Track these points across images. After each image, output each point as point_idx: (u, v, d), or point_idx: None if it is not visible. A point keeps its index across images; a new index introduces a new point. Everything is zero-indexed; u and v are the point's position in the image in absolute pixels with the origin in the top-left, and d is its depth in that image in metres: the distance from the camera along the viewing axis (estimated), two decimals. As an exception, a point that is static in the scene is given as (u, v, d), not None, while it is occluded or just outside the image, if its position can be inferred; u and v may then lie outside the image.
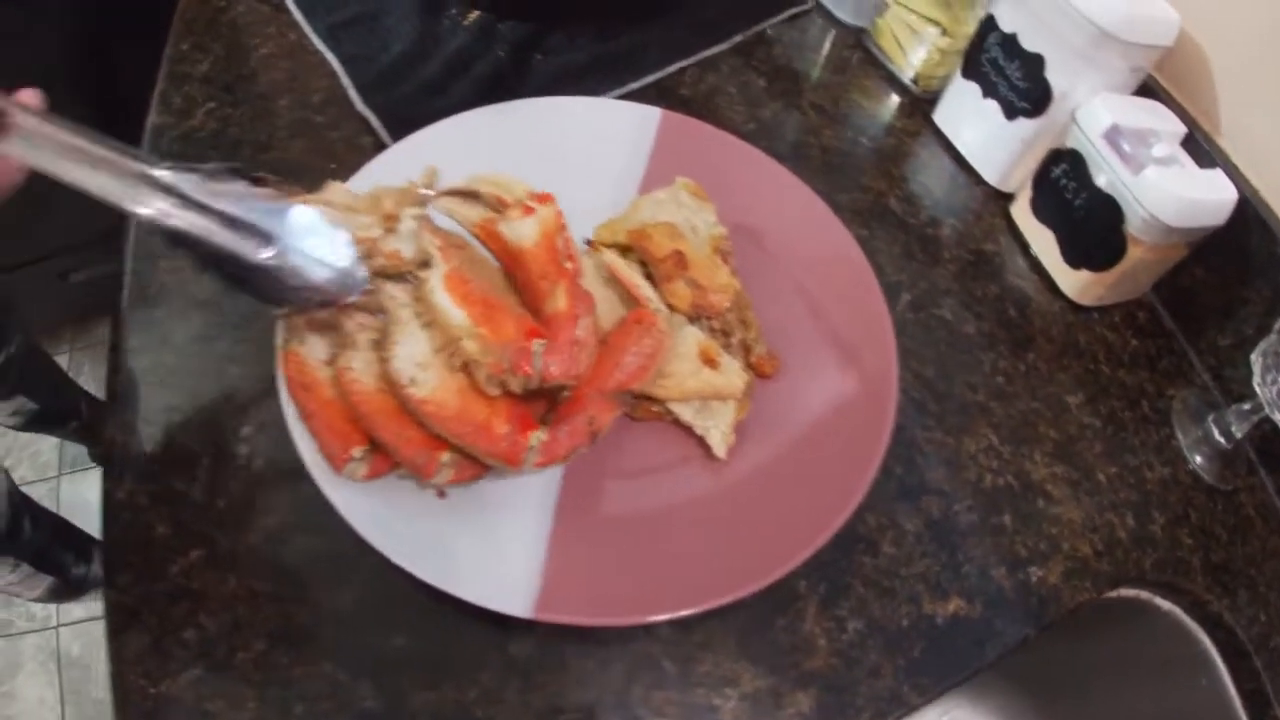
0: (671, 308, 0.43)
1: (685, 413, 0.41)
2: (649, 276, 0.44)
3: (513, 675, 0.37)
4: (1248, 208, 0.51)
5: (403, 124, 0.50)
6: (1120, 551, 0.47)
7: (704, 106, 0.59)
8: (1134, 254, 0.51)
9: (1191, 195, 0.49)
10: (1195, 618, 0.50)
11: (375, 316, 0.39)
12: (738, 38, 0.63)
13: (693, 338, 0.42)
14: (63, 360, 1.32)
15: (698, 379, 0.40)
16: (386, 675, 0.37)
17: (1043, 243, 0.57)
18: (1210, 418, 0.53)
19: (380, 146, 0.51)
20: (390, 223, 0.38)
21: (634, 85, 0.57)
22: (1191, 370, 0.56)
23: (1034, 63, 0.54)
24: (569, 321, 0.36)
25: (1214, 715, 0.50)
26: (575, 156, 0.49)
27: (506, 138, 0.49)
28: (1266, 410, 0.47)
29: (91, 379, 1.30)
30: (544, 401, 0.39)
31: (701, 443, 0.42)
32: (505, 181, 0.41)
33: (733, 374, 0.41)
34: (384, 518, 0.37)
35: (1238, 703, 0.49)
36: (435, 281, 0.37)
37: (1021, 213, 0.58)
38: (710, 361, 0.41)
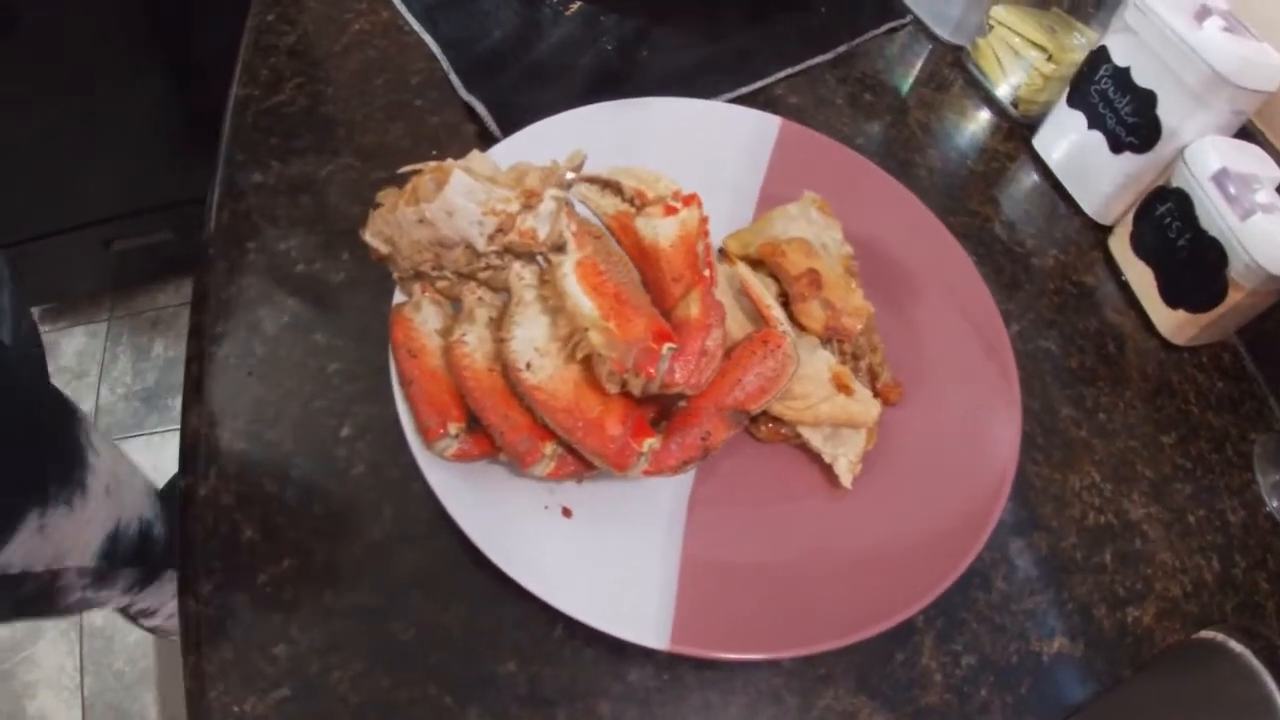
0: (803, 328, 0.41)
1: (815, 439, 0.39)
2: (781, 293, 0.42)
3: (631, 704, 0.35)
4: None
5: (509, 113, 0.47)
6: (1206, 594, 0.47)
7: (814, 117, 0.57)
8: (1233, 298, 0.51)
9: (1296, 245, 0.48)
10: (1264, 660, 0.49)
11: (497, 294, 0.37)
12: (841, 48, 0.61)
13: (824, 361, 0.40)
14: (100, 328, 1.29)
15: (831, 404, 0.38)
16: (496, 701, 0.35)
17: (1141, 279, 0.56)
18: (1287, 463, 0.52)
19: (485, 135, 0.48)
20: (531, 200, 0.36)
21: (744, 90, 0.55)
22: (1271, 415, 0.56)
23: (1146, 99, 0.53)
24: (700, 330, 0.35)
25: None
26: (693, 160, 0.47)
27: (624, 135, 0.46)
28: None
29: (130, 348, 1.28)
30: (656, 407, 0.37)
31: (826, 471, 0.40)
32: (650, 177, 0.39)
33: (867, 402, 0.39)
34: (506, 537, 0.34)
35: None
36: (568, 267, 0.35)
37: (1120, 247, 0.57)
38: (844, 388, 0.39)
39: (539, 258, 0.37)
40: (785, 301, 0.41)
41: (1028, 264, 0.55)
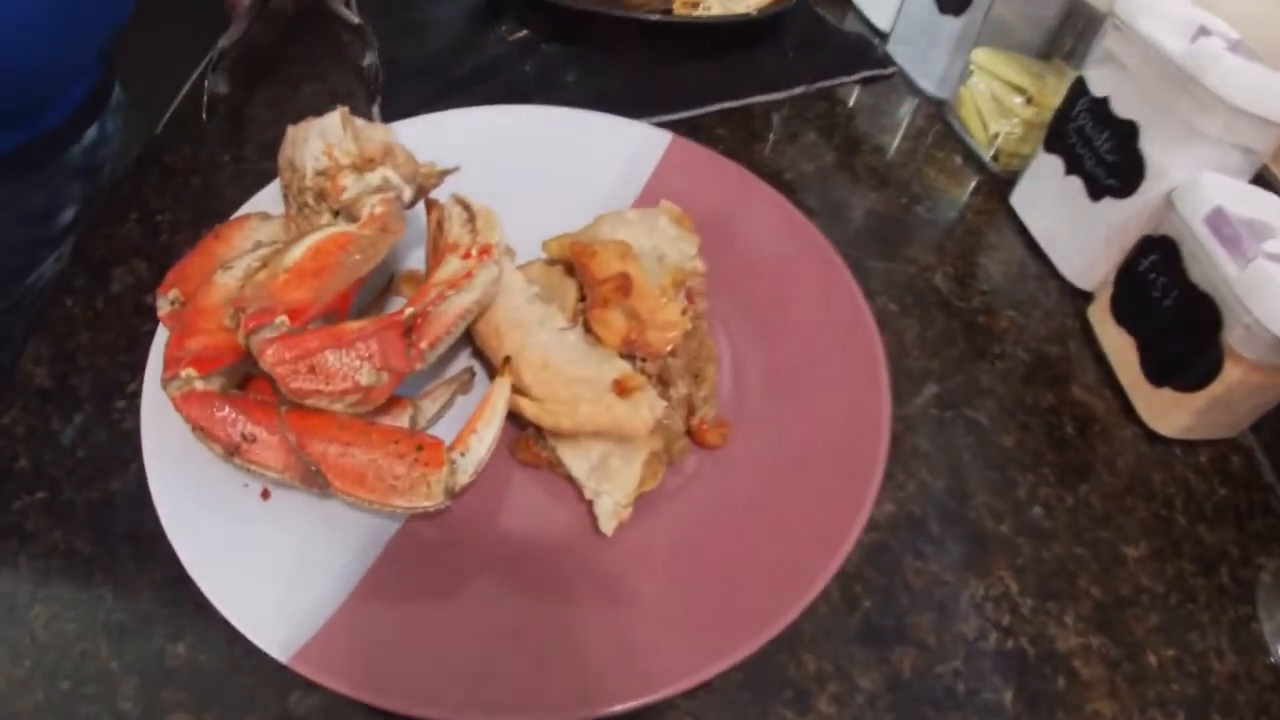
0: (598, 339, 0.36)
1: (578, 467, 0.33)
2: (582, 297, 0.38)
3: (283, 730, 0.30)
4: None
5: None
6: None
7: (738, 149, 0.53)
8: (1232, 373, 0.39)
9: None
10: None
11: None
12: (797, 90, 0.57)
13: (615, 370, 0.34)
14: None
15: (595, 406, 0.33)
16: (154, 680, 0.31)
17: (1120, 352, 0.45)
18: (1305, 598, 0.37)
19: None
20: (361, 165, 0.36)
21: (664, 118, 0.53)
22: (1288, 537, 0.41)
23: (1126, 131, 0.44)
24: (330, 339, 0.30)
25: None
26: (566, 166, 0.45)
27: (497, 139, 0.46)
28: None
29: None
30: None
31: (592, 512, 0.33)
32: (492, 223, 0.37)
33: (642, 406, 0.33)
34: (194, 505, 0.32)
35: None
36: (329, 230, 0.34)
37: (1099, 314, 0.47)
38: (624, 391, 0.33)
39: (336, 210, 0.36)
40: (585, 308, 0.37)
41: (971, 321, 0.47)
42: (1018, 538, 0.39)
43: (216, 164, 0.50)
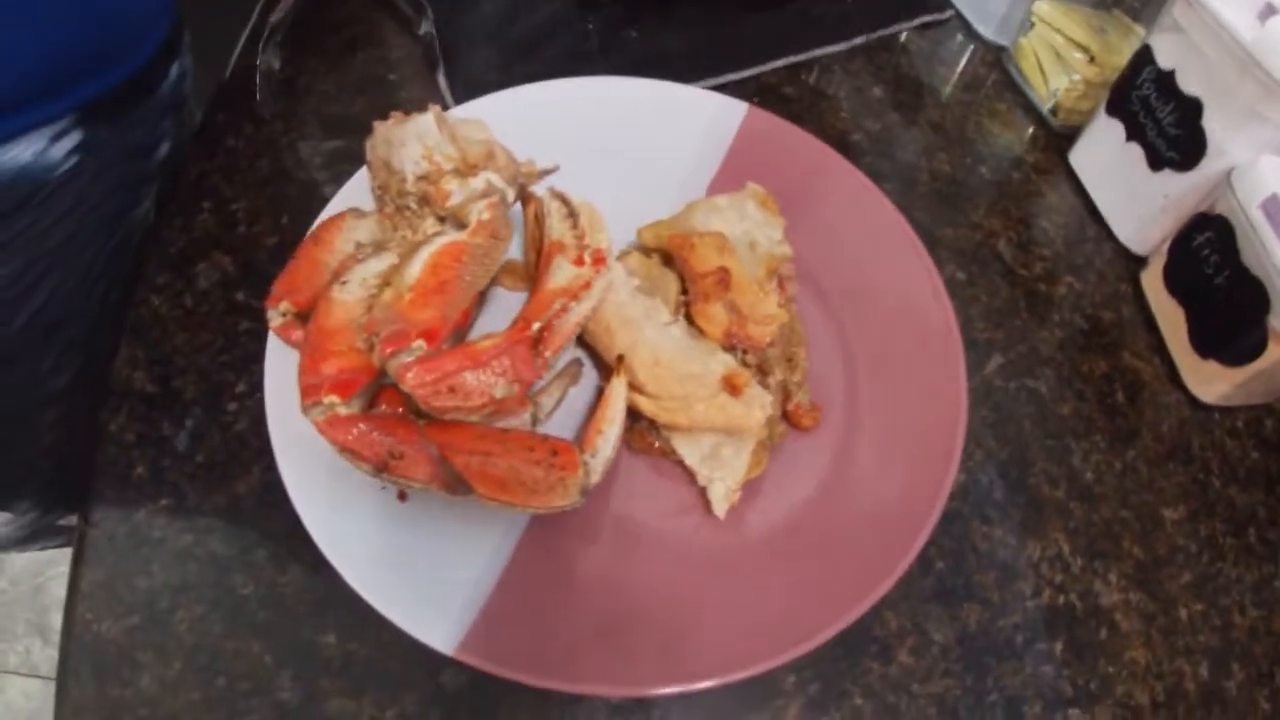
0: (702, 332, 0.37)
1: (691, 456, 0.36)
2: (683, 290, 0.39)
3: (436, 706, 0.34)
4: None
5: (474, 93, 0.46)
6: (1183, 707, 0.39)
7: (806, 110, 0.53)
8: (1275, 353, 0.41)
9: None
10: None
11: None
12: (858, 39, 0.56)
13: (721, 364, 0.36)
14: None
15: (709, 405, 0.35)
16: (309, 671, 0.34)
17: (1170, 321, 0.47)
18: (1326, 562, 0.41)
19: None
20: (465, 170, 0.36)
21: (731, 77, 0.52)
22: (1315, 500, 0.45)
23: (1191, 107, 0.44)
24: (468, 359, 0.31)
25: None
26: (642, 144, 0.45)
27: (573, 115, 0.45)
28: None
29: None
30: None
31: (702, 495, 0.36)
32: (598, 224, 0.37)
33: (754, 405, 0.35)
34: (332, 509, 0.34)
35: None
36: (440, 241, 0.34)
37: (1152, 282, 0.48)
38: (734, 389, 0.35)
39: (443, 218, 0.37)
40: (687, 300, 0.38)
41: (1032, 289, 0.48)
42: (1070, 502, 0.42)
43: (279, 144, 0.48)
